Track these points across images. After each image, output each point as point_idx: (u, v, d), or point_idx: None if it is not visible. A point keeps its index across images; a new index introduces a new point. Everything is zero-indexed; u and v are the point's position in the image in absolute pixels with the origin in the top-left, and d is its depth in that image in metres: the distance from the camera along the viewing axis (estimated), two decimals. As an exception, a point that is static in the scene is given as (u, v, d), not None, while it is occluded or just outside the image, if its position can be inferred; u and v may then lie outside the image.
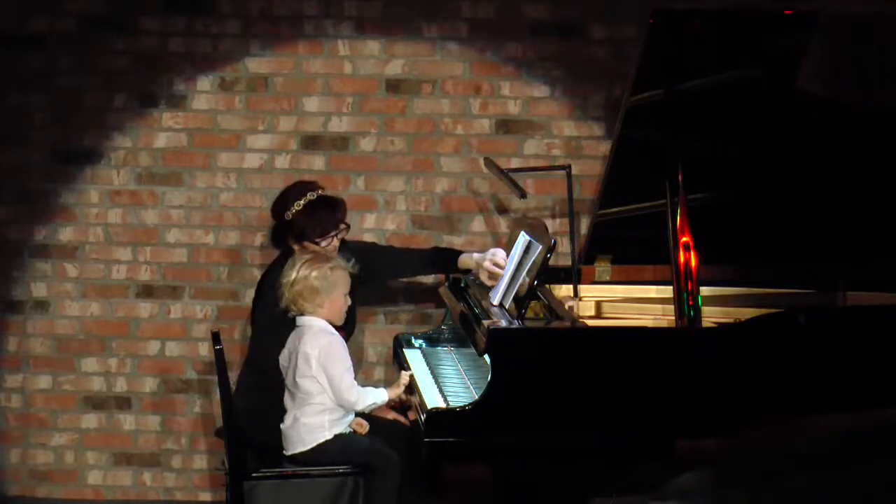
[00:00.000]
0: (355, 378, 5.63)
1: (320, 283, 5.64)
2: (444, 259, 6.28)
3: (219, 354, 5.65)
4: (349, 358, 5.65)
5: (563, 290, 6.13)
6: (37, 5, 6.71)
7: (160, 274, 6.82)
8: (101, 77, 6.74)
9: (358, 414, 5.68)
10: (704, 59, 5.64)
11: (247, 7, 6.73)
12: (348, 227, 6.07)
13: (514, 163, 6.63)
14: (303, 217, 5.96)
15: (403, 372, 5.75)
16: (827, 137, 5.79)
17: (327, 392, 5.59)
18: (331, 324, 5.69)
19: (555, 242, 5.56)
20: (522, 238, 5.81)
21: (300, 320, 5.69)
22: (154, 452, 6.87)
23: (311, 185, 6.10)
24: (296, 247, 5.97)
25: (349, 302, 5.74)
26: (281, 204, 6.03)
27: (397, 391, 5.65)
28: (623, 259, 6.29)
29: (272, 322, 5.83)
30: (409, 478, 5.65)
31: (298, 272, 5.66)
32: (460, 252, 6.26)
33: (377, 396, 5.63)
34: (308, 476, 5.63)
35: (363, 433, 5.70)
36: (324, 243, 5.97)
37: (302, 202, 5.97)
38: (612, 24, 6.67)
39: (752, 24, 5.67)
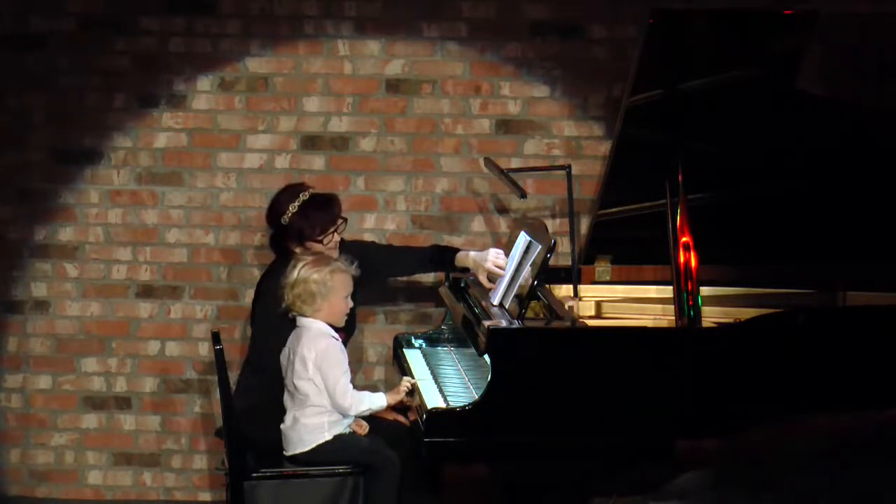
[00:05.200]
0: (355, 378, 5.62)
1: (318, 287, 5.63)
2: (442, 257, 6.26)
3: (219, 354, 5.65)
4: (346, 362, 5.64)
5: (563, 290, 6.13)
6: (37, 5, 6.70)
7: (160, 274, 6.82)
8: (101, 77, 6.73)
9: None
10: (704, 59, 5.64)
11: (247, 7, 6.73)
12: (346, 220, 6.06)
13: (514, 163, 6.62)
14: (299, 218, 5.95)
15: (406, 378, 5.73)
16: (827, 137, 5.79)
17: (325, 394, 5.59)
18: (330, 325, 5.69)
19: (555, 242, 5.56)
20: (522, 238, 5.81)
21: (300, 321, 5.68)
22: (154, 452, 6.87)
23: (300, 187, 6.09)
24: (298, 249, 5.96)
25: (350, 304, 5.73)
26: (275, 210, 6.01)
27: (396, 397, 5.63)
28: (623, 259, 6.28)
29: (272, 322, 5.83)
30: (408, 478, 5.65)
31: (299, 274, 5.66)
32: (458, 250, 6.25)
33: (373, 402, 5.61)
34: (308, 476, 5.63)
35: (363, 433, 5.70)
36: (325, 241, 5.96)
37: (296, 204, 5.96)
38: (612, 24, 6.66)
39: (752, 24, 5.67)
